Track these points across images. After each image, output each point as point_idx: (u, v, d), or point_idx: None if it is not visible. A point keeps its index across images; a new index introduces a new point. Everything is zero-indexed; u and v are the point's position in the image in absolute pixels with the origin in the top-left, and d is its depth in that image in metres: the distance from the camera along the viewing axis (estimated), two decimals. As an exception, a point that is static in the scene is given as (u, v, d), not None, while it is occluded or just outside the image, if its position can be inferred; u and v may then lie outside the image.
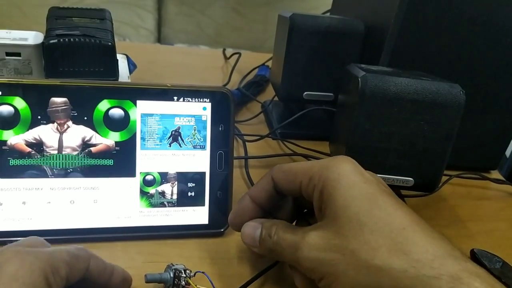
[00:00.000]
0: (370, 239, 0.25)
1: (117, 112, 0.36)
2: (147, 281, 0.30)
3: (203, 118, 0.38)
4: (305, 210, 0.35)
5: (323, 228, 0.27)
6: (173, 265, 0.31)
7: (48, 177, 0.35)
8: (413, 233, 0.25)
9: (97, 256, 0.28)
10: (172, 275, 0.31)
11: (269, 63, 0.79)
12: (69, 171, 0.35)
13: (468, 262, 0.24)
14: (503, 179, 0.56)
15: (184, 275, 0.31)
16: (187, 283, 0.31)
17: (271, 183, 0.32)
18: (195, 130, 0.38)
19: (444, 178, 0.52)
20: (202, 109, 0.38)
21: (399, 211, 0.26)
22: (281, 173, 0.32)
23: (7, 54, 0.43)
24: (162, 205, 0.37)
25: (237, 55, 0.85)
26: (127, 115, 0.36)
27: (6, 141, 0.34)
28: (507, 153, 0.66)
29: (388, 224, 0.25)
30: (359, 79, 0.38)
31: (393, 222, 0.25)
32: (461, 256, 0.24)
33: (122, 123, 0.36)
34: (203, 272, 0.32)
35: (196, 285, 0.30)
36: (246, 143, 0.55)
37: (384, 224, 0.25)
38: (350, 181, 0.28)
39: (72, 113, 0.35)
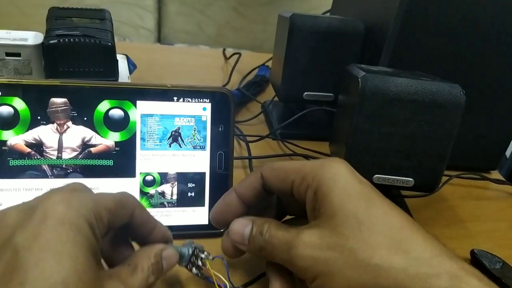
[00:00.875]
0: (368, 237, 0.25)
1: (117, 112, 0.36)
2: None
3: (203, 119, 0.38)
4: (290, 217, 0.34)
5: (319, 226, 0.27)
6: (193, 243, 0.31)
7: (48, 178, 0.35)
8: (411, 232, 0.25)
9: (142, 206, 0.28)
10: (190, 251, 0.30)
11: (269, 63, 0.79)
12: (69, 171, 0.35)
13: (463, 262, 0.24)
14: (503, 179, 0.56)
15: (203, 255, 0.30)
16: (204, 264, 0.30)
17: (259, 180, 0.31)
18: (195, 130, 0.38)
19: (444, 178, 0.52)
20: (202, 109, 0.38)
21: (394, 211, 0.26)
22: (271, 171, 0.31)
23: (7, 54, 0.43)
24: (162, 205, 0.37)
25: (237, 55, 0.85)
26: (127, 115, 0.36)
27: (6, 141, 0.34)
28: (507, 153, 0.66)
29: (386, 223, 0.25)
30: (359, 79, 0.38)
31: (390, 221, 0.25)
32: (455, 256, 0.24)
33: (122, 124, 0.36)
34: (222, 258, 0.31)
35: (212, 269, 0.30)
36: (242, 142, 0.55)
37: (382, 222, 0.25)
38: (346, 180, 0.27)
39: (72, 113, 0.35)
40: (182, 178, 0.38)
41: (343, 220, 0.26)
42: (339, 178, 0.28)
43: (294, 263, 0.27)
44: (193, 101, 0.38)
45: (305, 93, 0.56)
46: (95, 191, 0.35)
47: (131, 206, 0.26)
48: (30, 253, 0.19)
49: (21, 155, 0.34)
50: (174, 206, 0.38)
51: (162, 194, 0.37)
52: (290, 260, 0.27)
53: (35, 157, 0.34)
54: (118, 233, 0.28)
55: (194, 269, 0.30)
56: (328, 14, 0.73)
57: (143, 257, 0.26)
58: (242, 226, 0.30)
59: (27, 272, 0.19)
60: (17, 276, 0.19)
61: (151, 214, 0.29)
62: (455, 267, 0.23)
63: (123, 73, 0.51)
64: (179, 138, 0.37)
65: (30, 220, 0.21)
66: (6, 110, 0.33)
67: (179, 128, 0.37)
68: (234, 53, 0.87)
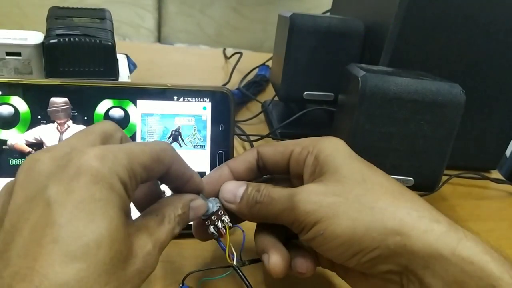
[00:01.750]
0: (372, 188, 0.26)
1: (117, 112, 0.36)
2: None
3: (203, 118, 0.38)
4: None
5: (322, 180, 0.27)
6: (219, 202, 0.30)
7: (48, 177, 0.35)
8: (410, 193, 0.27)
9: (180, 159, 0.26)
10: (215, 209, 0.29)
11: (269, 63, 0.79)
12: (69, 171, 0.35)
13: None
14: (503, 179, 0.56)
15: (225, 219, 0.29)
16: (223, 227, 0.29)
17: (255, 156, 0.31)
18: (195, 130, 0.38)
19: (444, 178, 0.52)
20: (202, 109, 0.38)
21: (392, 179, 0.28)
22: (269, 146, 0.31)
23: (7, 54, 0.43)
24: (162, 205, 0.37)
25: (237, 55, 0.85)
26: (127, 115, 0.36)
27: (6, 141, 0.34)
28: (507, 153, 0.66)
29: (389, 182, 0.27)
30: (359, 79, 0.38)
31: (391, 182, 0.27)
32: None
33: (122, 123, 0.36)
34: (243, 230, 0.31)
35: (229, 236, 0.29)
36: (245, 143, 0.55)
37: (385, 181, 0.27)
38: (347, 151, 0.29)
39: (72, 113, 0.35)
40: (182, 177, 0.38)
41: (347, 174, 0.27)
42: (340, 147, 0.29)
43: (296, 208, 0.26)
44: (193, 100, 0.38)
45: (305, 92, 0.56)
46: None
47: (168, 161, 0.25)
48: (64, 209, 0.19)
49: (21, 154, 0.34)
50: (174, 206, 0.38)
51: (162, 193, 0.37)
52: (292, 207, 0.26)
53: (36, 157, 0.34)
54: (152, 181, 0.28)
55: (211, 228, 0.29)
56: (328, 14, 0.73)
57: (171, 207, 0.26)
58: (235, 185, 0.30)
59: (61, 229, 0.18)
60: (50, 232, 0.18)
61: (187, 165, 0.27)
62: (450, 220, 0.25)
63: (123, 73, 0.51)
64: (179, 137, 0.37)
65: (64, 173, 0.20)
66: (6, 109, 0.33)
67: (179, 128, 0.37)
68: (235, 53, 0.87)
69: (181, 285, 0.31)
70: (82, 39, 0.43)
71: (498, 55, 0.49)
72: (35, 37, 0.45)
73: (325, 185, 0.27)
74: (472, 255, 0.22)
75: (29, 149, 0.34)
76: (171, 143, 0.37)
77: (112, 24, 0.50)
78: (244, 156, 0.32)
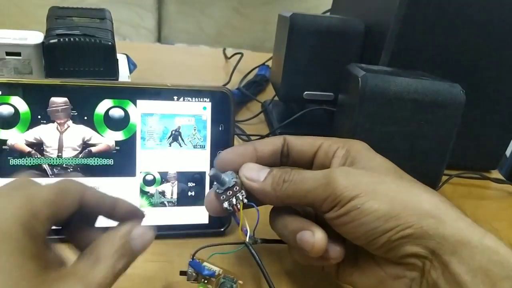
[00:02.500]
0: (406, 177, 0.28)
1: (117, 111, 0.36)
2: (210, 174, 0.29)
3: (203, 118, 0.38)
4: None
5: (357, 167, 0.28)
6: (236, 176, 0.29)
7: (49, 177, 0.35)
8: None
9: (92, 188, 0.25)
10: (231, 184, 0.29)
11: (269, 63, 0.79)
12: (69, 170, 0.35)
13: None
14: (503, 178, 0.56)
15: (240, 195, 0.29)
16: (237, 204, 0.29)
17: (281, 141, 0.31)
18: (195, 129, 0.38)
19: (444, 178, 0.52)
20: (202, 108, 0.38)
21: None
22: (296, 137, 0.32)
23: (7, 53, 0.43)
24: (162, 204, 0.37)
25: (237, 55, 0.85)
26: (127, 114, 0.36)
27: (6, 140, 0.34)
28: (507, 153, 0.66)
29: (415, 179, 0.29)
30: (359, 78, 0.38)
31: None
32: None
33: (122, 123, 0.36)
34: (257, 209, 0.30)
35: (243, 213, 0.29)
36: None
37: (412, 177, 0.29)
38: (373, 151, 0.30)
39: (72, 112, 0.35)
40: (183, 177, 0.38)
41: (381, 165, 0.29)
42: (368, 146, 0.31)
43: (334, 183, 0.26)
44: (193, 100, 0.38)
45: (305, 92, 0.56)
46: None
47: (76, 190, 0.24)
48: None
49: (21, 154, 0.34)
50: (174, 206, 0.38)
51: (163, 193, 0.37)
52: (328, 182, 0.26)
53: (36, 157, 0.34)
54: (83, 219, 0.26)
55: (226, 203, 0.29)
56: (328, 14, 0.73)
57: (106, 242, 0.24)
58: (258, 166, 0.30)
59: None
60: None
61: (106, 193, 0.26)
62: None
63: (123, 73, 0.51)
64: (179, 137, 0.37)
65: None
66: (6, 109, 0.33)
67: (179, 127, 0.37)
68: (236, 53, 0.87)
69: (191, 259, 0.30)
70: (82, 39, 0.43)
71: (498, 55, 0.49)
72: (35, 37, 0.45)
73: (361, 168, 0.28)
74: (497, 246, 0.23)
75: (29, 149, 0.34)
76: (171, 143, 0.37)
77: (112, 24, 0.50)
78: (271, 139, 0.32)
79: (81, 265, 0.22)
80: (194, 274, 0.30)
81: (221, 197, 0.29)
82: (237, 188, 0.29)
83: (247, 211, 0.30)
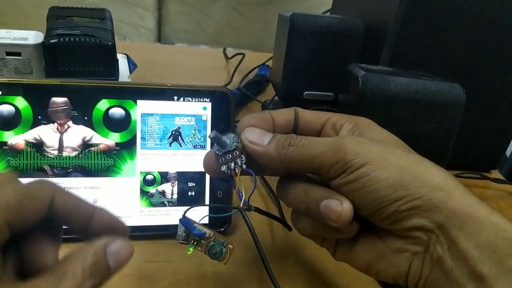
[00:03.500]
0: (416, 154, 0.28)
1: (117, 112, 0.36)
2: (211, 137, 0.28)
3: (204, 118, 0.38)
4: None
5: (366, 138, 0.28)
6: (238, 140, 0.28)
7: (49, 177, 0.35)
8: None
9: (67, 192, 0.22)
10: (232, 147, 0.28)
11: (270, 63, 0.79)
12: (69, 170, 0.35)
13: None
14: (503, 178, 0.56)
15: (239, 161, 0.28)
16: (235, 169, 0.28)
17: (293, 112, 0.31)
18: (195, 129, 0.38)
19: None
20: (202, 108, 0.38)
21: None
22: (305, 110, 0.31)
23: (8, 53, 0.43)
24: (162, 204, 0.37)
25: (237, 55, 0.85)
26: (127, 115, 0.36)
27: (6, 142, 0.34)
28: (507, 152, 0.66)
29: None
30: (360, 78, 0.38)
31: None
32: None
33: (122, 123, 0.36)
34: (254, 176, 0.29)
35: (240, 178, 0.28)
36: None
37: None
38: (380, 127, 0.30)
39: (73, 113, 0.35)
40: (183, 177, 0.38)
41: (389, 138, 0.28)
42: (375, 123, 0.30)
43: (345, 148, 0.25)
44: (194, 100, 0.38)
45: (305, 92, 0.56)
46: (95, 191, 0.36)
47: (45, 193, 0.21)
48: None
49: (22, 154, 0.34)
50: (174, 205, 0.38)
51: (163, 193, 0.37)
52: (338, 147, 0.26)
53: (36, 157, 0.34)
54: (47, 229, 0.22)
55: (224, 166, 0.28)
56: (328, 14, 0.73)
57: (76, 259, 0.20)
58: (262, 131, 0.29)
59: None
60: None
61: (83, 199, 0.22)
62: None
63: (124, 73, 0.51)
64: (179, 137, 0.37)
65: None
66: (7, 109, 0.33)
67: (179, 128, 0.37)
68: (237, 54, 0.87)
69: (181, 218, 0.29)
70: (82, 39, 0.43)
71: (498, 55, 0.49)
72: (35, 37, 0.45)
73: (370, 140, 0.27)
74: (504, 223, 0.23)
75: (29, 149, 0.34)
76: (171, 143, 0.37)
77: (112, 24, 0.50)
78: (285, 110, 0.31)
79: (42, 282, 0.19)
80: (184, 234, 0.29)
81: (220, 160, 0.28)
82: (237, 153, 0.28)
83: (245, 179, 0.29)
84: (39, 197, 0.20)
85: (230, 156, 0.28)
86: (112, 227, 0.23)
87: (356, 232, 0.27)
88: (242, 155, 0.28)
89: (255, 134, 0.28)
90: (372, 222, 0.26)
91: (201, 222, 0.29)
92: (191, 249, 0.28)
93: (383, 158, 0.25)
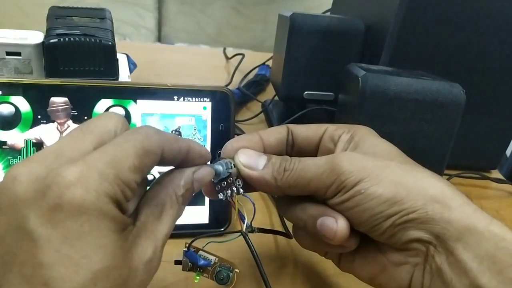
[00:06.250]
0: (411, 162, 0.27)
1: (117, 111, 0.36)
2: None
3: (204, 118, 0.38)
4: None
5: (361, 151, 0.28)
6: (231, 164, 0.27)
7: (49, 177, 0.35)
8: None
9: (168, 137, 0.23)
10: (226, 174, 0.27)
11: (270, 63, 0.79)
12: (69, 170, 0.35)
13: None
14: (504, 178, 0.56)
15: (234, 188, 0.27)
16: (232, 196, 0.28)
17: (285, 130, 0.31)
18: (195, 129, 0.38)
19: (444, 178, 0.52)
20: (203, 108, 0.38)
21: None
22: (300, 125, 0.31)
23: (7, 53, 0.43)
24: (162, 204, 0.37)
25: (237, 56, 0.85)
26: (127, 114, 0.36)
27: (6, 141, 0.34)
28: (507, 152, 0.66)
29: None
30: (360, 78, 0.38)
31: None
32: None
33: (123, 123, 0.36)
34: (253, 203, 0.29)
35: (237, 204, 0.28)
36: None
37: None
38: (378, 136, 0.30)
39: (72, 112, 0.35)
40: (183, 177, 0.38)
41: (385, 149, 0.28)
42: (373, 132, 0.30)
43: (338, 169, 0.25)
44: (194, 100, 0.38)
45: (306, 92, 0.56)
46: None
47: (157, 148, 0.22)
48: (50, 247, 0.17)
49: (22, 154, 0.34)
50: (174, 205, 0.38)
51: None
52: (332, 168, 0.26)
53: (36, 156, 0.34)
54: None
55: (220, 194, 0.28)
56: (328, 13, 0.73)
57: (171, 187, 0.24)
58: (256, 153, 0.28)
59: (49, 271, 0.17)
60: (39, 273, 0.17)
61: (179, 137, 0.25)
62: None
63: (124, 72, 0.51)
64: (179, 137, 0.37)
65: (43, 202, 0.18)
66: (7, 109, 0.33)
67: (179, 127, 0.37)
68: (237, 54, 0.87)
69: (185, 249, 0.29)
70: (82, 39, 0.43)
71: (498, 55, 0.49)
72: (35, 36, 0.45)
73: (365, 153, 0.27)
74: (504, 233, 0.23)
75: (29, 149, 0.34)
76: (171, 142, 0.37)
77: (112, 23, 0.50)
78: (275, 128, 0.31)
79: (150, 219, 0.22)
80: (189, 263, 0.29)
81: (216, 187, 0.28)
82: (231, 179, 0.27)
83: (245, 199, 0.29)
84: (154, 152, 0.22)
85: (225, 183, 0.27)
86: (201, 158, 0.26)
87: (355, 247, 0.27)
88: (238, 179, 0.27)
89: (249, 157, 0.28)
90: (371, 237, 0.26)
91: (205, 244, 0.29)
92: (197, 278, 0.29)
93: (377, 174, 0.25)
